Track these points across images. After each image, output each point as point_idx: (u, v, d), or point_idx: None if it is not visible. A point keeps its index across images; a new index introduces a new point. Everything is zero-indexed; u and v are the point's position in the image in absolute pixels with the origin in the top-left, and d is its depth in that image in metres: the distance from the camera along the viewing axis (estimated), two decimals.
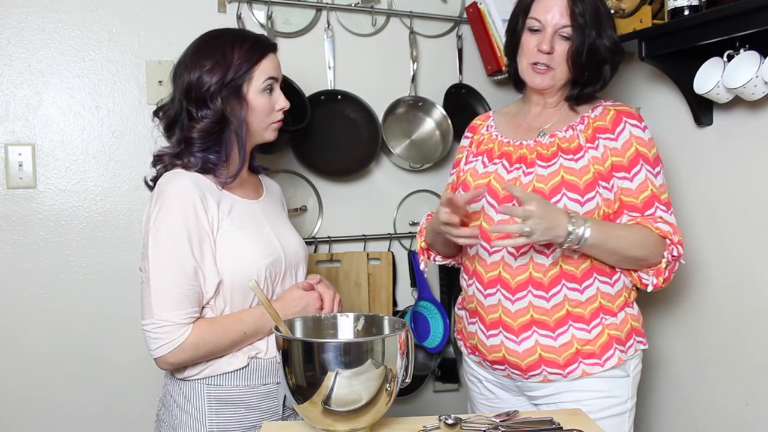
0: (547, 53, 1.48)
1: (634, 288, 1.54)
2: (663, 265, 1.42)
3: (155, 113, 1.48)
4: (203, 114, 1.39)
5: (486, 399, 1.63)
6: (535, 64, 1.50)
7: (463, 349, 1.66)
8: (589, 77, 1.51)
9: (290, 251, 1.48)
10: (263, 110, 1.44)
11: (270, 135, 1.49)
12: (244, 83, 1.41)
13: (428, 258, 1.70)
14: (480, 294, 1.52)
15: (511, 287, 1.47)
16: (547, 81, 1.51)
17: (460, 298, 1.65)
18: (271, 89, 1.45)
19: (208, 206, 1.36)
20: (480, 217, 1.52)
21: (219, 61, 1.39)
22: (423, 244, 1.68)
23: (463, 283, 1.61)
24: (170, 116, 1.44)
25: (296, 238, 1.54)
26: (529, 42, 1.51)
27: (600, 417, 1.38)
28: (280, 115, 1.48)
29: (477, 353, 1.57)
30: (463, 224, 1.58)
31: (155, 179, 1.43)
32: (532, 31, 1.50)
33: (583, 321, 1.46)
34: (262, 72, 1.42)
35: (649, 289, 1.45)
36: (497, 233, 1.39)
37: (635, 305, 1.54)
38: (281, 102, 1.47)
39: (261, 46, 1.44)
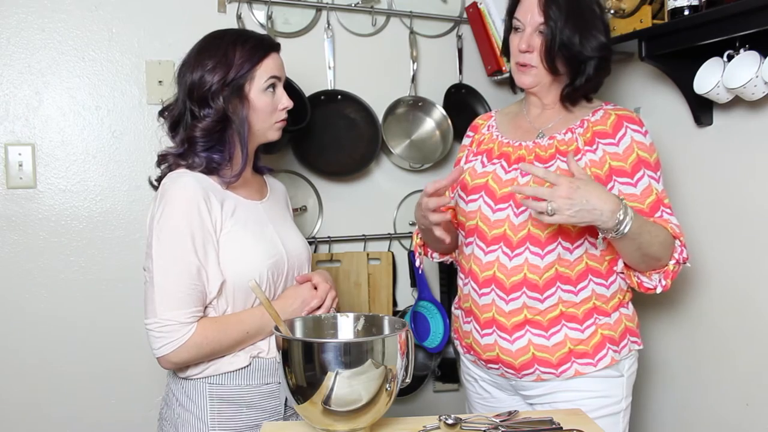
0: (525, 51, 1.49)
1: (630, 289, 1.53)
2: (671, 267, 1.41)
3: (160, 113, 1.49)
4: (205, 113, 1.40)
5: (482, 398, 1.63)
6: (519, 63, 1.52)
7: (459, 348, 1.66)
8: (571, 74, 1.51)
9: (293, 253, 1.48)
10: (265, 109, 1.45)
11: (273, 135, 1.49)
12: (246, 82, 1.41)
13: (425, 255, 1.71)
14: (475, 293, 1.52)
15: (505, 287, 1.47)
16: (530, 79, 1.52)
17: (456, 298, 1.65)
18: (273, 88, 1.45)
19: (211, 207, 1.36)
20: (476, 217, 1.52)
21: (221, 61, 1.40)
22: (419, 241, 1.69)
23: (460, 283, 1.61)
24: (174, 116, 1.45)
25: (300, 240, 1.54)
26: (513, 42, 1.53)
27: (594, 417, 1.37)
28: (283, 115, 1.49)
29: (472, 352, 1.57)
30: (460, 224, 1.58)
31: (160, 179, 1.44)
32: (516, 30, 1.52)
33: (577, 321, 1.46)
34: (264, 71, 1.43)
35: (659, 291, 1.43)
36: (520, 194, 1.33)
37: (630, 305, 1.54)
38: (284, 101, 1.47)
39: (263, 46, 1.44)
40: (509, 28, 1.55)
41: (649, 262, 1.41)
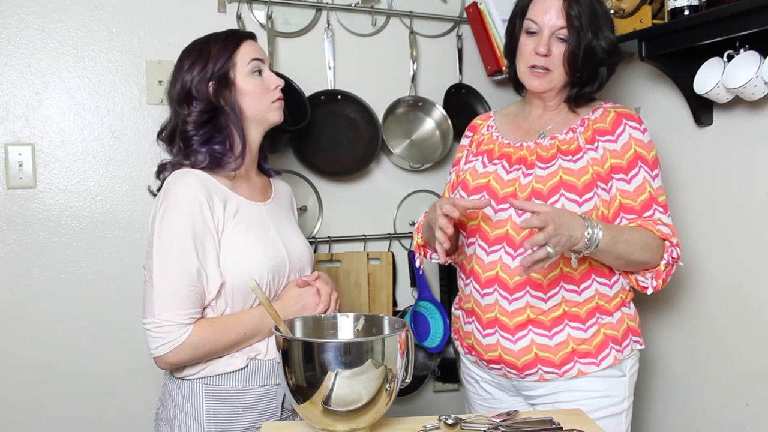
0: (544, 56, 1.48)
1: (632, 288, 1.53)
2: (662, 267, 1.41)
3: (158, 135, 1.51)
4: (192, 107, 1.42)
5: (482, 399, 1.63)
6: (533, 67, 1.50)
7: (459, 348, 1.66)
8: (586, 78, 1.51)
9: (295, 255, 1.48)
10: (256, 92, 1.46)
11: (274, 116, 1.49)
12: (230, 70, 1.44)
13: (424, 255, 1.70)
14: (477, 294, 1.52)
15: (509, 287, 1.47)
16: (545, 84, 1.51)
17: (457, 298, 1.65)
18: (259, 71, 1.47)
19: (214, 207, 1.36)
20: (478, 217, 1.52)
21: (197, 58, 1.44)
22: (420, 241, 1.68)
23: (460, 283, 1.61)
24: (169, 130, 1.47)
25: (302, 242, 1.54)
26: (526, 45, 1.51)
27: (596, 417, 1.37)
28: (277, 94, 1.49)
29: (473, 353, 1.57)
30: (461, 224, 1.58)
31: (159, 189, 1.43)
32: (529, 33, 1.50)
33: (579, 320, 1.46)
34: (243, 55, 1.45)
35: (649, 291, 1.44)
36: (525, 262, 1.27)
37: (632, 305, 1.54)
38: (274, 80, 1.49)
39: (237, 36, 1.48)
40: (518, 29, 1.53)
41: (637, 266, 1.42)
